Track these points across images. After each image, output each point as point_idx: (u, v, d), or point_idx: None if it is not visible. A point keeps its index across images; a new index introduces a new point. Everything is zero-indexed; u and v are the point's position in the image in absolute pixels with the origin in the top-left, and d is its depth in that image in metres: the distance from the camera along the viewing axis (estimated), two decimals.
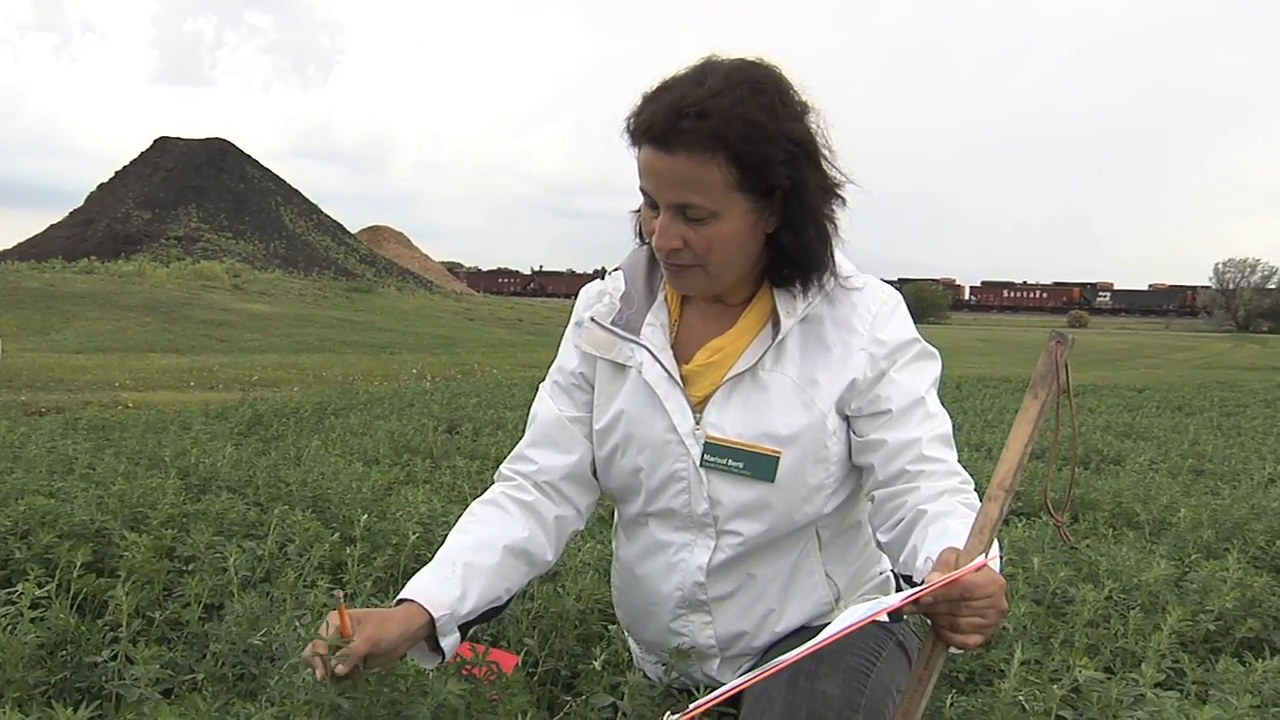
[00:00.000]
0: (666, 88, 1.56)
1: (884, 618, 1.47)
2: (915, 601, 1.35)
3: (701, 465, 1.72)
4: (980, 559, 1.35)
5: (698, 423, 1.73)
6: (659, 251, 1.64)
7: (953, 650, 1.41)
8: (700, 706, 1.28)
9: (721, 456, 1.71)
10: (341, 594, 1.58)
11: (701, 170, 1.53)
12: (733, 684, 1.30)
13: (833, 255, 1.69)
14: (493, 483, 1.89)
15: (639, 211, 1.76)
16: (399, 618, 1.59)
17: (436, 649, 1.66)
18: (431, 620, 1.61)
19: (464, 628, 1.69)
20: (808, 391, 1.69)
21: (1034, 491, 4.85)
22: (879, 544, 1.74)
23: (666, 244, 1.60)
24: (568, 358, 1.88)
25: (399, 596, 1.65)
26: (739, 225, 1.59)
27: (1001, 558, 1.45)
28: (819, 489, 1.73)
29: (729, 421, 1.71)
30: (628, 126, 1.60)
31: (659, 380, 1.74)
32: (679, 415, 1.73)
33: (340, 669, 1.47)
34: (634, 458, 1.78)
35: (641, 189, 1.63)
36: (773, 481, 1.69)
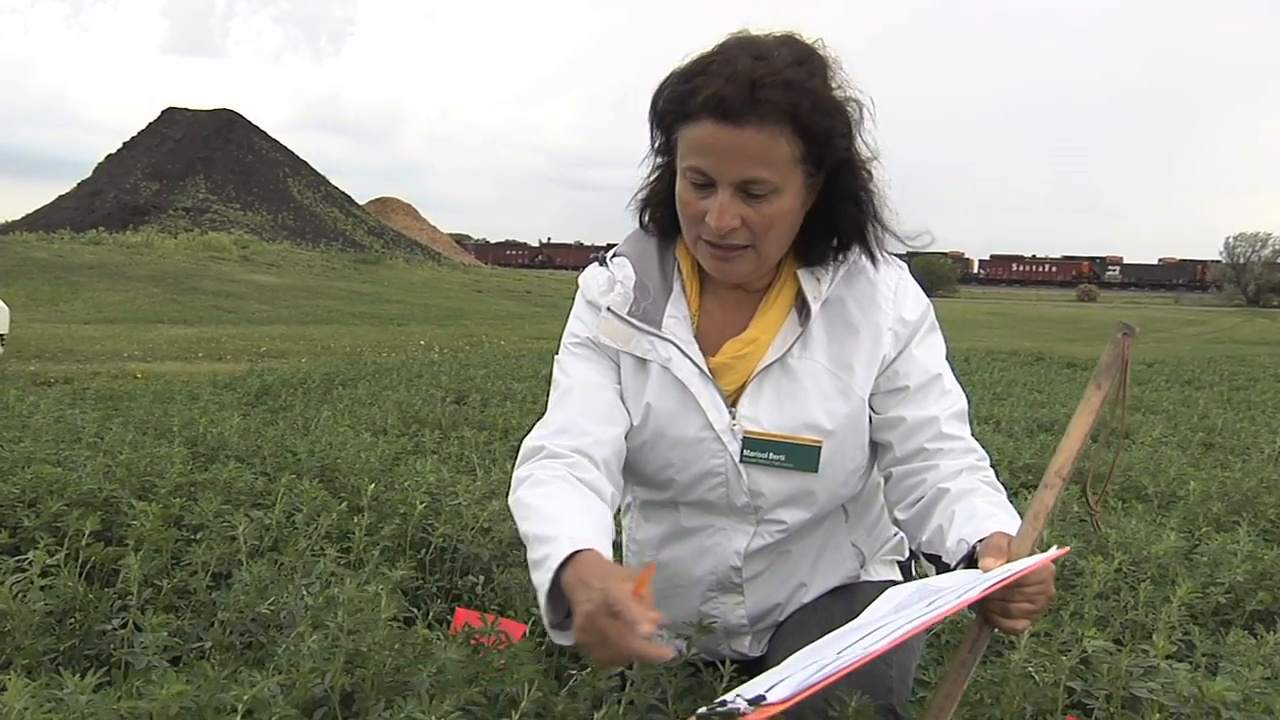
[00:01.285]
0: (723, 62, 1.49)
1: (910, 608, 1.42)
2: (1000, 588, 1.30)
3: (741, 461, 1.68)
4: (1053, 550, 1.34)
5: (733, 417, 1.67)
6: (715, 233, 1.55)
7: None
8: (785, 704, 1.16)
9: (762, 451, 1.67)
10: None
11: (772, 144, 1.48)
12: (806, 682, 1.18)
13: (880, 234, 1.66)
14: (511, 461, 1.75)
15: (642, 197, 1.72)
16: (615, 567, 1.33)
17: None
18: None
19: None
20: (843, 378, 1.66)
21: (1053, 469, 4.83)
22: (895, 521, 1.73)
23: (726, 224, 1.53)
24: (586, 330, 1.75)
25: (570, 550, 1.35)
26: (795, 201, 1.55)
27: (1069, 550, 1.44)
28: (856, 471, 1.71)
29: (764, 414, 1.66)
30: (669, 106, 1.54)
31: (691, 377, 1.67)
32: (714, 412, 1.66)
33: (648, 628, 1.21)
34: (665, 454, 1.71)
35: (692, 168, 1.54)
36: (816, 471, 1.66)
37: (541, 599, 1.36)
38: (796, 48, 1.52)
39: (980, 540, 1.41)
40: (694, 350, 1.68)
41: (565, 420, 1.65)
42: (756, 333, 1.68)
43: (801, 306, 1.67)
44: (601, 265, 1.80)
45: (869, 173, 1.61)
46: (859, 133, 1.57)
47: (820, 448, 1.65)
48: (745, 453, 1.67)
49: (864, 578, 1.84)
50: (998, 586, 1.28)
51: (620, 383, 1.73)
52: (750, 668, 1.79)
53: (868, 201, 1.61)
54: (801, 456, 1.66)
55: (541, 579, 1.36)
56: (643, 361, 1.70)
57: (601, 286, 1.76)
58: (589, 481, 1.57)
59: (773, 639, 1.83)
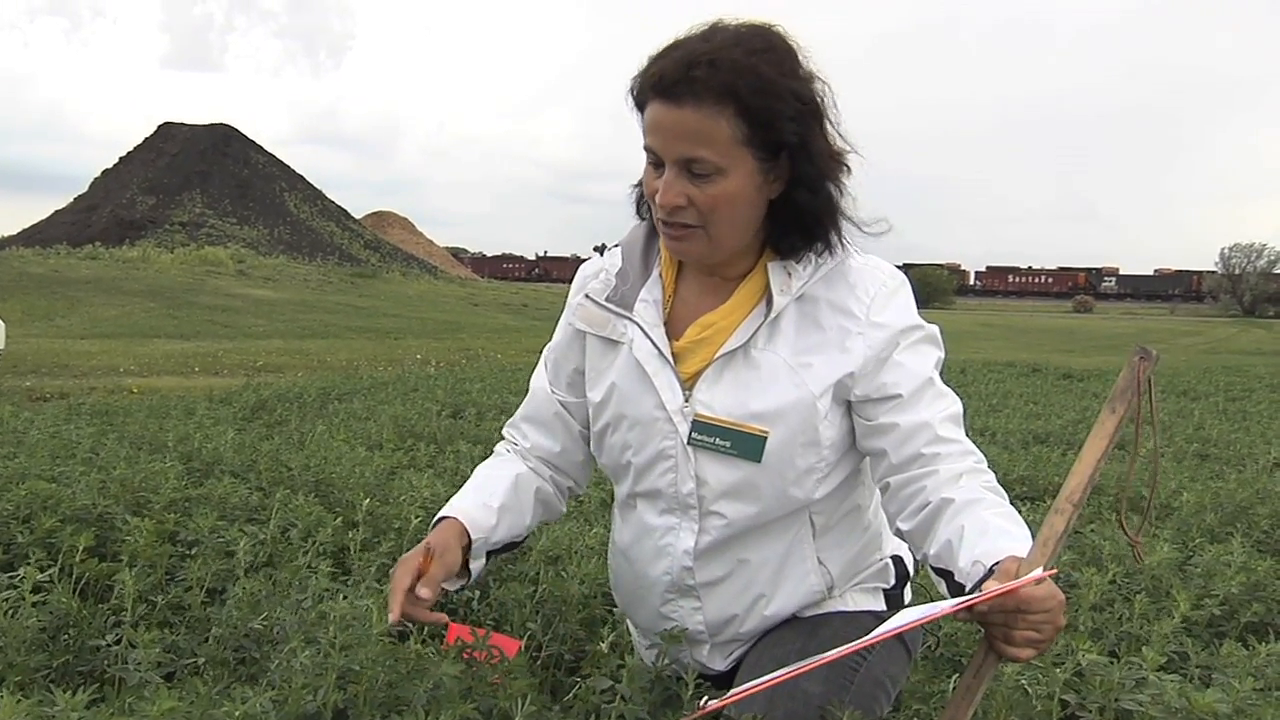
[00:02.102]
0: (676, 45, 1.55)
1: (893, 620, 1.44)
2: (969, 609, 1.31)
3: (689, 443, 1.69)
4: (1039, 571, 1.32)
5: (687, 400, 1.69)
6: (661, 210, 1.59)
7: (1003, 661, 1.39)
8: (712, 707, 1.25)
9: (709, 435, 1.67)
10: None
11: (710, 123, 1.51)
12: (748, 686, 1.26)
13: (839, 226, 1.66)
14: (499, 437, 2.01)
15: (638, 185, 1.73)
16: (451, 536, 1.72)
17: (463, 573, 1.75)
18: (467, 540, 1.73)
19: (487, 556, 1.81)
20: (799, 373, 1.65)
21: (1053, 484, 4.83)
22: (898, 532, 1.68)
23: (670, 200, 1.57)
24: (560, 333, 1.89)
25: (440, 514, 1.78)
26: (744, 184, 1.56)
27: (1056, 572, 1.42)
28: (809, 473, 1.68)
29: (718, 400, 1.67)
30: (633, 87, 1.58)
31: (649, 357, 1.71)
32: (668, 392, 1.69)
33: (425, 593, 1.60)
34: (624, 435, 1.76)
35: (646, 147, 1.59)
36: (759, 462, 1.65)
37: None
38: (749, 32, 1.55)
39: (997, 563, 1.39)
40: (658, 333, 1.71)
41: (517, 419, 1.98)
42: (717, 318, 1.70)
43: (771, 298, 1.67)
44: (601, 255, 1.86)
45: (834, 164, 1.61)
46: (821, 123, 1.58)
47: (765, 438, 1.65)
48: (693, 435, 1.68)
49: (836, 606, 1.80)
50: (985, 600, 1.29)
51: (579, 393, 1.87)
52: (715, 683, 1.79)
53: (824, 192, 1.60)
54: (746, 445, 1.66)
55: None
56: (614, 344, 1.77)
57: (586, 277, 1.85)
58: (520, 471, 1.89)
59: (740, 662, 1.82)
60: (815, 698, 1.55)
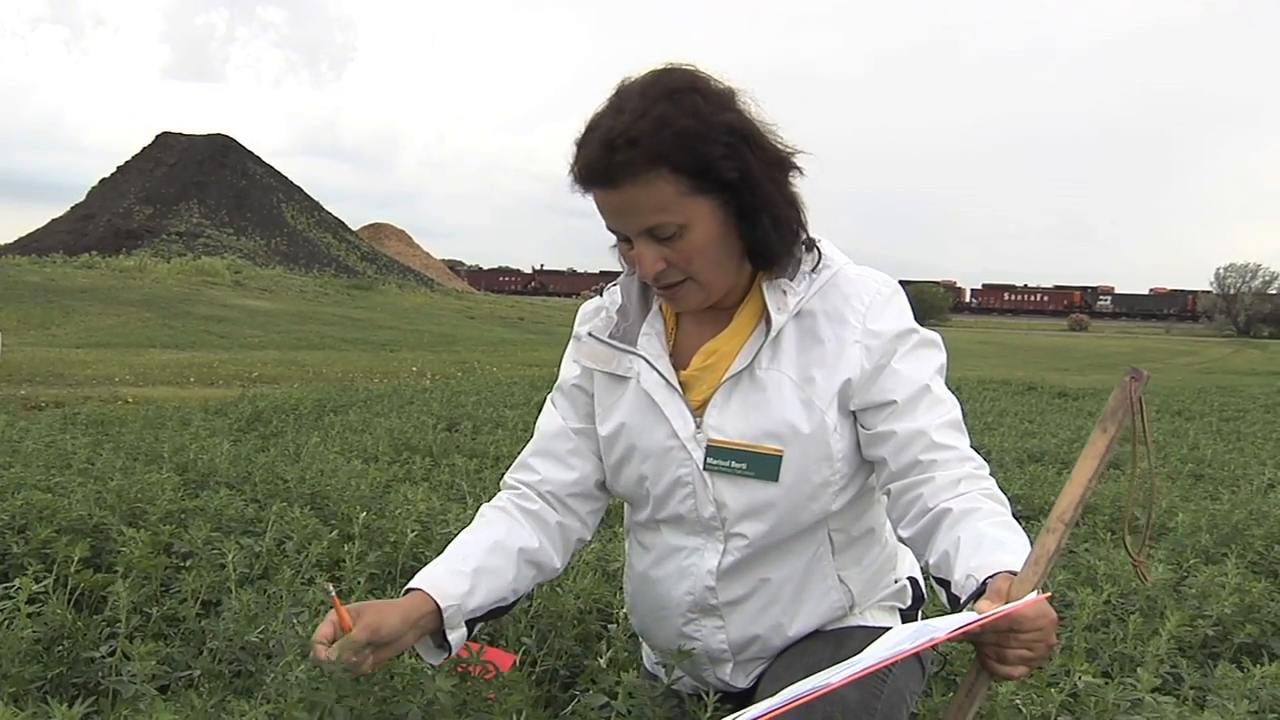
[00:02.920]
0: (592, 128, 1.57)
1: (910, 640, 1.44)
2: (965, 633, 1.31)
3: (705, 469, 1.70)
4: (1035, 594, 1.32)
5: (698, 426, 1.71)
6: (647, 279, 1.63)
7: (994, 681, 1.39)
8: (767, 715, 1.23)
9: (724, 459, 1.69)
10: (333, 588, 1.58)
11: (652, 191, 1.53)
12: (772, 704, 1.25)
13: (802, 236, 1.67)
14: (497, 490, 1.90)
15: (616, 246, 1.75)
16: (400, 605, 1.60)
17: (443, 644, 1.67)
18: (438, 610, 1.62)
19: (469, 624, 1.70)
20: (805, 389, 1.67)
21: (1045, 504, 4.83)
22: (900, 539, 1.70)
23: (651, 269, 1.60)
24: (568, 370, 1.88)
25: (407, 586, 1.66)
26: (710, 229, 1.59)
27: (1052, 595, 1.42)
28: (824, 486, 1.70)
29: (729, 423, 1.69)
30: (571, 178, 1.60)
31: (656, 387, 1.73)
32: (679, 421, 1.71)
33: (347, 657, 1.50)
34: (638, 467, 1.77)
35: (608, 229, 1.64)
36: (776, 481, 1.67)
37: None
38: (655, 87, 1.55)
39: (990, 577, 1.40)
40: (664, 364, 1.74)
41: (523, 458, 1.89)
42: (719, 344, 1.72)
43: (769, 318, 1.68)
44: (600, 296, 1.87)
45: (780, 174, 1.62)
46: (752, 144, 1.57)
47: (781, 457, 1.66)
48: (709, 460, 1.70)
49: (857, 621, 1.82)
50: (980, 625, 1.29)
51: (593, 419, 1.84)
52: (738, 701, 1.79)
53: (766, 218, 1.61)
54: (762, 465, 1.67)
55: None
56: (620, 379, 1.78)
57: (587, 315, 1.87)
58: (530, 511, 1.82)
59: (760, 680, 1.83)
60: (852, 704, 1.56)
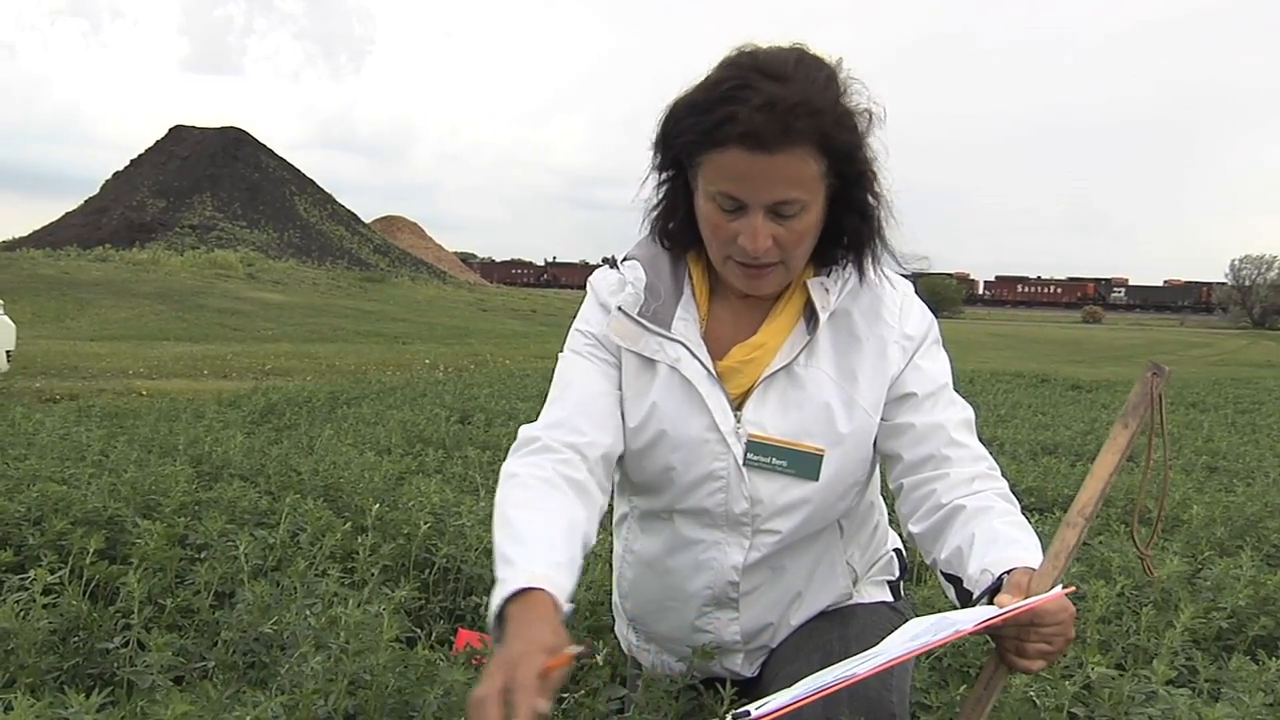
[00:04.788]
0: (748, 88, 1.47)
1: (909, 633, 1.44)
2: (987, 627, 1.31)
3: (744, 464, 1.67)
4: (1058, 589, 1.33)
5: (738, 420, 1.68)
6: (751, 255, 1.55)
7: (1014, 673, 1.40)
8: (781, 710, 1.21)
9: (765, 455, 1.66)
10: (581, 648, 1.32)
11: (802, 166, 1.49)
12: (797, 693, 1.24)
13: (877, 241, 1.66)
14: (525, 446, 1.64)
15: (658, 216, 1.71)
16: (553, 624, 1.31)
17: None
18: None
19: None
20: (847, 389, 1.66)
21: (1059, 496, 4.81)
22: (909, 534, 1.68)
23: (763, 245, 1.53)
24: (595, 324, 1.74)
25: (523, 585, 1.34)
26: (818, 215, 1.57)
27: (1074, 589, 1.42)
28: (854, 485, 1.71)
29: (769, 419, 1.67)
30: (700, 134, 1.52)
31: (699, 377, 1.67)
32: (720, 413, 1.66)
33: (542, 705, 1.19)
34: (666, 456, 1.70)
35: (720, 193, 1.54)
36: (816, 480, 1.66)
37: (490, 619, 1.36)
38: (813, 65, 1.52)
39: (1007, 572, 1.40)
40: (703, 352, 1.68)
41: (563, 415, 1.65)
42: (764, 338, 1.69)
43: (810, 315, 1.67)
44: (612, 268, 1.80)
45: (877, 183, 1.60)
46: (869, 146, 1.57)
47: (823, 456, 1.65)
48: (749, 456, 1.67)
49: (856, 599, 1.84)
50: (1003, 619, 1.29)
51: (621, 387, 1.72)
52: (745, 688, 1.79)
53: (873, 214, 1.61)
54: (804, 464, 1.66)
55: (493, 604, 1.36)
56: (650, 361, 1.70)
57: (612, 287, 1.76)
58: (578, 482, 1.57)
59: (767, 662, 1.83)
60: (872, 689, 1.57)
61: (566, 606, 1.35)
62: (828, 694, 1.23)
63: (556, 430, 1.63)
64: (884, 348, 1.67)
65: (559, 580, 1.37)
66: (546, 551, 1.42)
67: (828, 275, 1.67)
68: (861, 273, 1.67)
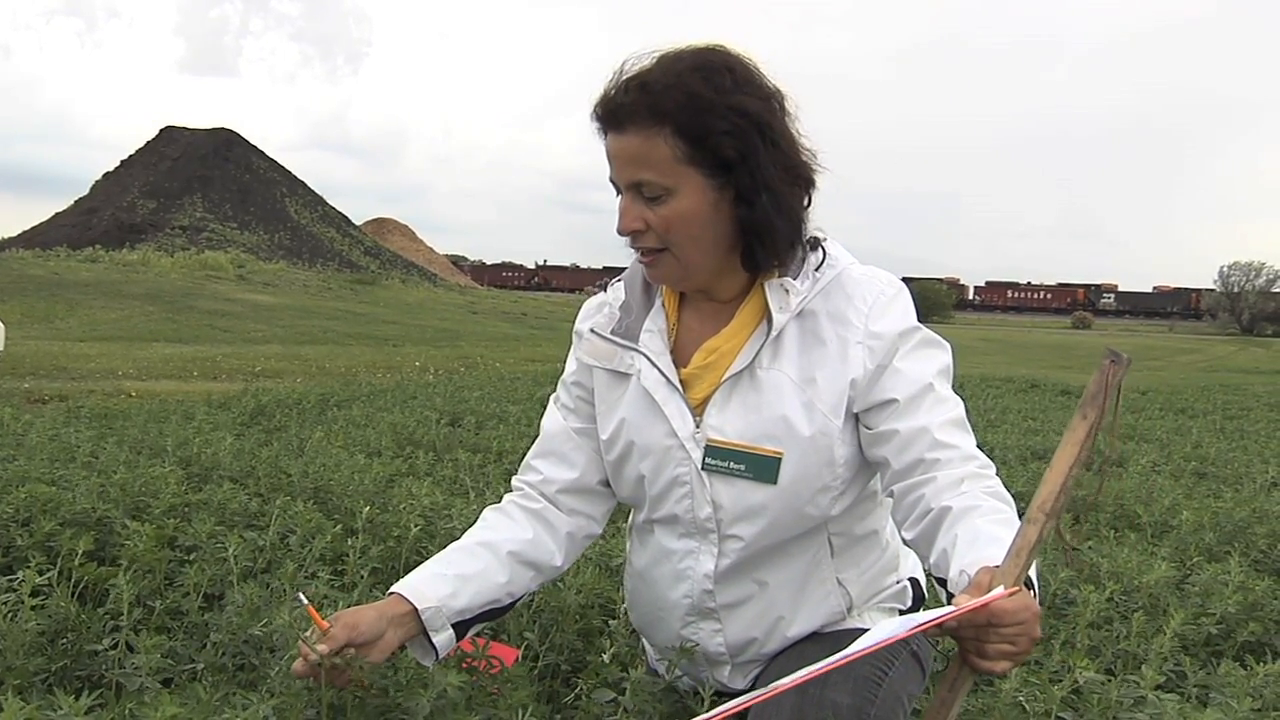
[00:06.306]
0: (618, 70, 1.59)
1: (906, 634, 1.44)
2: (940, 625, 1.29)
3: (703, 469, 1.69)
4: (1000, 589, 1.29)
5: (698, 426, 1.69)
6: (622, 235, 1.64)
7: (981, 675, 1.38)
8: (737, 705, 1.23)
9: (722, 459, 1.67)
10: (305, 597, 1.61)
11: (649, 145, 1.54)
12: (745, 698, 1.26)
13: (802, 236, 1.66)
14: (502, 486, 1.92)
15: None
16: (377, 604, 1.63)
17: (428, 645, 1.67)
18: (415, 612, 1.63)
19: (461, 626, 1.69)
20: (806, 390, 1.65)
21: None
22: (905, 541, 1.67)
23: (627, 225, 1.61)
24: (570, 370, 1.88)
25: (388, 590, 1.68)
26: (696, 202, 1.58)
27: (1039, 588, 1.40)
28: (824, 491, 1.68)
29: (729, 423, 1.67)
30: (591, 114, 1.62)
31: (657, 385, 1.71)
32: (678, 419, 1.69)
33: (321, 648, 1.51)
34: (637, 465, 1.76)
35: (609, 180, 1.64)
36: (774, 483, 1.66)
37: None
38: (689, 54, 1.56)
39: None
40: (665, 361, 1.72)
41: (527, 461, 1.91)
42: (720, 342, 1.70)
43: (770, 317, 1.67)
44: (604, 291, 1.87)
45: (785, 177, 1.60)
46: (765, 138, 1.56)
47: (780, 459, 1.65)
48: (707, 460, 1.69)
49: (855, 623, 1.80)
50: (955, 617, 1.27)
51: (594, 420, 1.84)
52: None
53: (761, 207, 1.59)
54: (761, 467, 1.66)
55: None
56: (622, 376, 1.77)
57: (589, 312, 1.86)
58: (533, 510, 1.83)
59: (757, 682, 1.82)
60: (844, 709, 1.54)
61: (424, 604, 1.63)
62: (789, 688, 1.23)
63: (521, 474, 1.91)
64: (845, 349, 1.65)
65: (423, 587, 1.66)
66: (429, 567, 1.72)
67: (794, 277, 1.67)
68: (758, 268, 1.67)
